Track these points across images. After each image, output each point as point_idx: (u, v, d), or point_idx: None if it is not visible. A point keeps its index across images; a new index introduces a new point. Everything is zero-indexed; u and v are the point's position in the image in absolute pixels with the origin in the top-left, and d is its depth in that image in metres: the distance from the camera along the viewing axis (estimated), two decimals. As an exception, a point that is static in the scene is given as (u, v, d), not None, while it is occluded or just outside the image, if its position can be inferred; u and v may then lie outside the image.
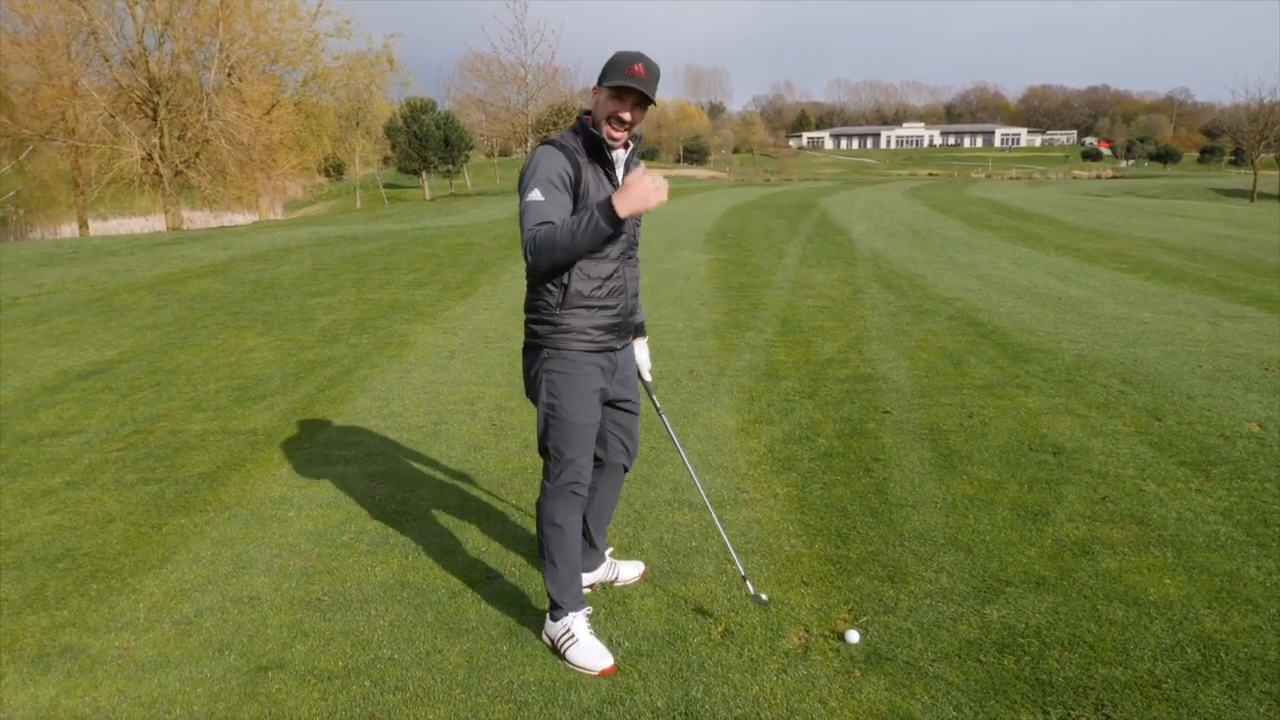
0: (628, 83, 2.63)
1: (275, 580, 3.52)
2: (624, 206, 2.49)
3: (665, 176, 2.57)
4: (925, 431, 5.16)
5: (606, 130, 2.72)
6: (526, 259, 2.61)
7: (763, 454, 4.87)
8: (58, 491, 4.51)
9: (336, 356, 7.30)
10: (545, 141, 2.77)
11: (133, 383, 6.60)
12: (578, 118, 2.84)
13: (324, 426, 5.46)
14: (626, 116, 2.69)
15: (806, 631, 3.09)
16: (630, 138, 2.83)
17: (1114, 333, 7.83)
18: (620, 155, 2.84)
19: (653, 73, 2.68)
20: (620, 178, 2.85)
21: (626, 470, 3.25)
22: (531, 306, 2.88)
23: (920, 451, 4.84)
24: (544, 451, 2.95)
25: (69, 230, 36.99)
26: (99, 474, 4.75)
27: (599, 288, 2.81)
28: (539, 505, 2.99)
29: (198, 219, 39.13)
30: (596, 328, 2.84)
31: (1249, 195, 47.34)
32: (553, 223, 2.57)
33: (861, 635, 3.03)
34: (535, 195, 2.61)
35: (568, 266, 2.71)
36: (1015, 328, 8.09)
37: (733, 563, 3.58)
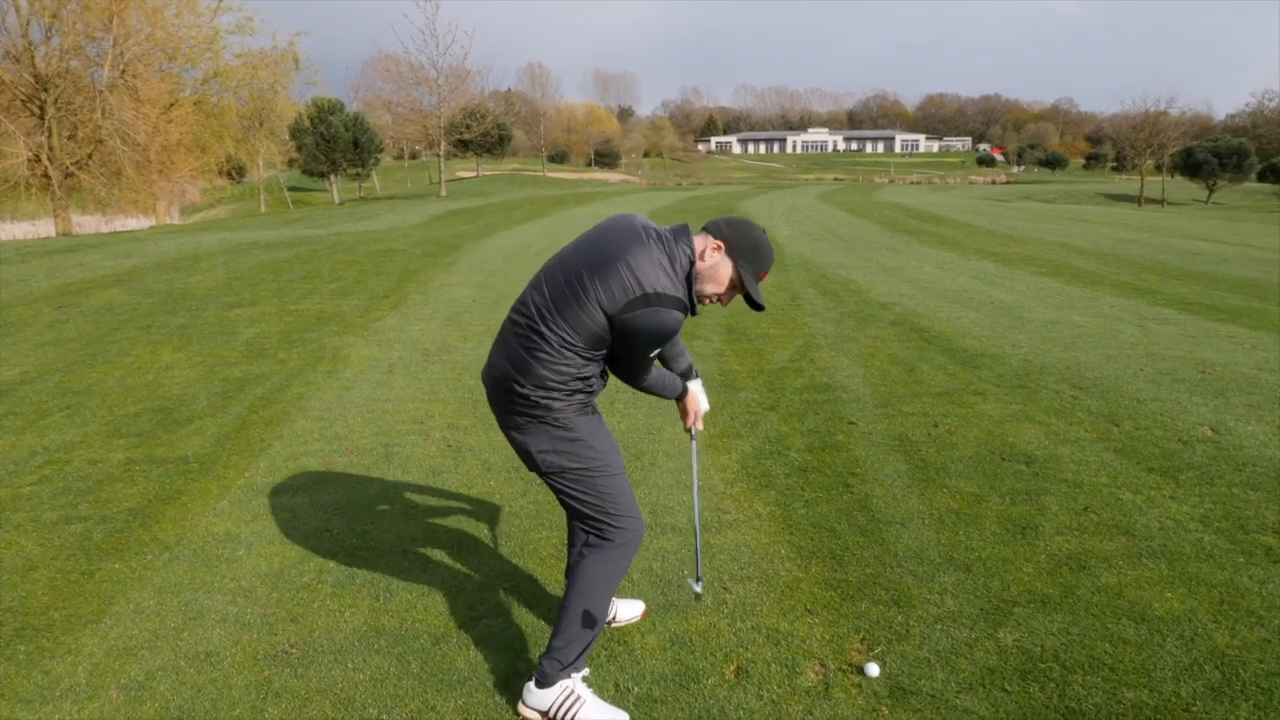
0: (760, 299, 2.62)
1: (233, 632, 3.17)
2: (686, 396, 3.02)
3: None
4: (895, 443, 5.10)
5: (706, 299, 2.65)
6: (636, 382, 2.79)
7: (736, 471, 4.71)
8: (-36, 535, 4.01)
9: (266, 373, 6.84)
10: (672, 302, 2.49)
11: (39, 406, 6.03)
12: (689, 263, 2.57)
13: (263, 452, 5.06)
14: (726, 303, 2.67)
15: (823, 666, 2.93)
16: None
17: (1052, 337, 7.98)
18: None
19: None
20: None
21: None
22: (545, 385, 2.56)
23: (895, 464, 4.76)
24: (604, 515, 2.66)
25: (-58, 236, 34.40)
26: (11, 513, 4.26)
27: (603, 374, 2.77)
28: (596, 568, 2.66)
29: (88, 223, 36.99)
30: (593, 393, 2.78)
31: (1136, 200, 49.89)
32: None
33: (881, 667, 2.89)
34: (656, 353, 2.67)
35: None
36: (957, 333, 8.17)
37: (729, 591, 3.41)
